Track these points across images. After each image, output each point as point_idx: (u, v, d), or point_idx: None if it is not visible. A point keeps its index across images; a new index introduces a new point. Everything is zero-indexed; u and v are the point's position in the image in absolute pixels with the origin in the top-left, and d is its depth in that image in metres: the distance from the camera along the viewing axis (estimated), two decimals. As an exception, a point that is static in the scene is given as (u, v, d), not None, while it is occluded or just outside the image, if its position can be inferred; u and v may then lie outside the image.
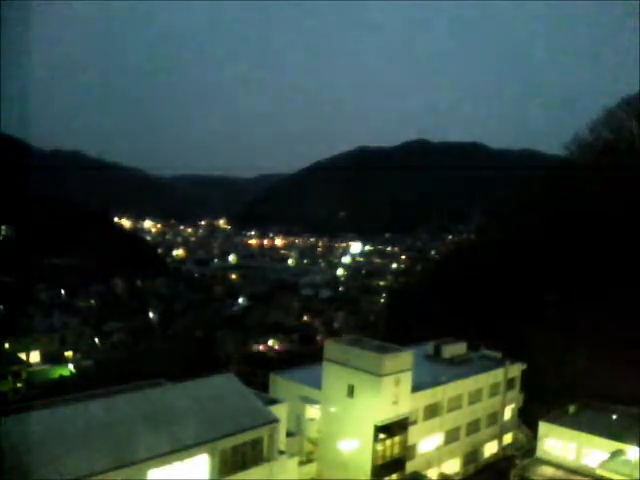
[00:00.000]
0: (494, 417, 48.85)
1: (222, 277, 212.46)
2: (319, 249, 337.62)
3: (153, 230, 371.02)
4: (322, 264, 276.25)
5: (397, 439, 38.64)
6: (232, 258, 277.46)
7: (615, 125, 76.84)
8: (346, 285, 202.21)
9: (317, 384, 40.61)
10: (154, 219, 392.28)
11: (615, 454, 38.75)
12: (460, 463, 45.95)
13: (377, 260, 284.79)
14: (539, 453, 43.79)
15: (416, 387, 40.21)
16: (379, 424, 37.23)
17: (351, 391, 38.55)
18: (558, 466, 42.04)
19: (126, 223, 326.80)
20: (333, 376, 39.81)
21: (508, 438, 50.95)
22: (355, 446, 37.64)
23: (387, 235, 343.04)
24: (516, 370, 50.33)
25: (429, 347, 50.20)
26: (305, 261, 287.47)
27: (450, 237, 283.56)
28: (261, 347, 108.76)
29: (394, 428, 38.23)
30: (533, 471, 42.14)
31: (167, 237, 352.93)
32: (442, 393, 43.17)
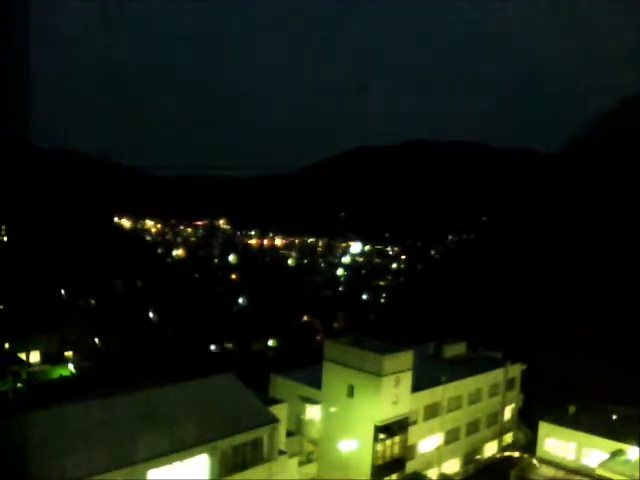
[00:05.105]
0: (494, 417, 48.88)
1: (222, 277, 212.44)
2: (319, 249, 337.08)
3: (153, 230, 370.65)
4: (322, 264, 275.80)
5: (397, 439, 38.68)
6: (232, 258, 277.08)
7: (614, 124, 77.05)
8: (346, 285, 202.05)
9: (317, 384, 40.59)
10: (154, 219, 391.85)
11: (615, 454, 38.79)
12: (460, 463, 45.98)
13: (377, 260, 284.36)
14: (539, 453, 43.87)
15: (416, 387, 40.22)
16: (379, 424, 37.26)
17: (351, 391, 38.56)
18: (558, 466, 42.07)
19: (126, 223, 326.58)
20: (333, 376, 39.82)
21: (508, 438, 50.98)
22: (355, 446, 37.68)
23: (387, 235, 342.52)
24: (516, 370, 50.38)
25: (429, 347, 50.25)
26: (305, 261, 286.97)
27: (450, 237, 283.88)
28: (261, 347, 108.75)
29: (394, 428, 38.25)
30: (533, 471, 42.19)
31: (167, 237, 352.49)
32: (442, 393, 43.18)
